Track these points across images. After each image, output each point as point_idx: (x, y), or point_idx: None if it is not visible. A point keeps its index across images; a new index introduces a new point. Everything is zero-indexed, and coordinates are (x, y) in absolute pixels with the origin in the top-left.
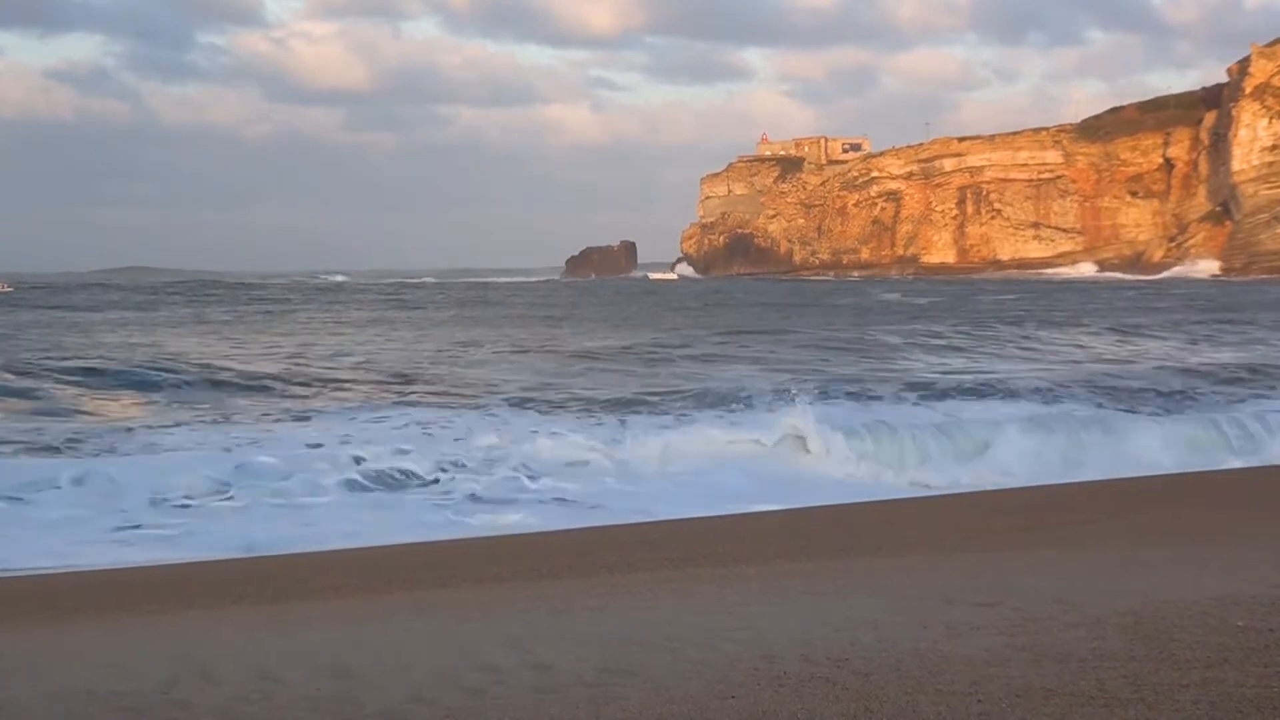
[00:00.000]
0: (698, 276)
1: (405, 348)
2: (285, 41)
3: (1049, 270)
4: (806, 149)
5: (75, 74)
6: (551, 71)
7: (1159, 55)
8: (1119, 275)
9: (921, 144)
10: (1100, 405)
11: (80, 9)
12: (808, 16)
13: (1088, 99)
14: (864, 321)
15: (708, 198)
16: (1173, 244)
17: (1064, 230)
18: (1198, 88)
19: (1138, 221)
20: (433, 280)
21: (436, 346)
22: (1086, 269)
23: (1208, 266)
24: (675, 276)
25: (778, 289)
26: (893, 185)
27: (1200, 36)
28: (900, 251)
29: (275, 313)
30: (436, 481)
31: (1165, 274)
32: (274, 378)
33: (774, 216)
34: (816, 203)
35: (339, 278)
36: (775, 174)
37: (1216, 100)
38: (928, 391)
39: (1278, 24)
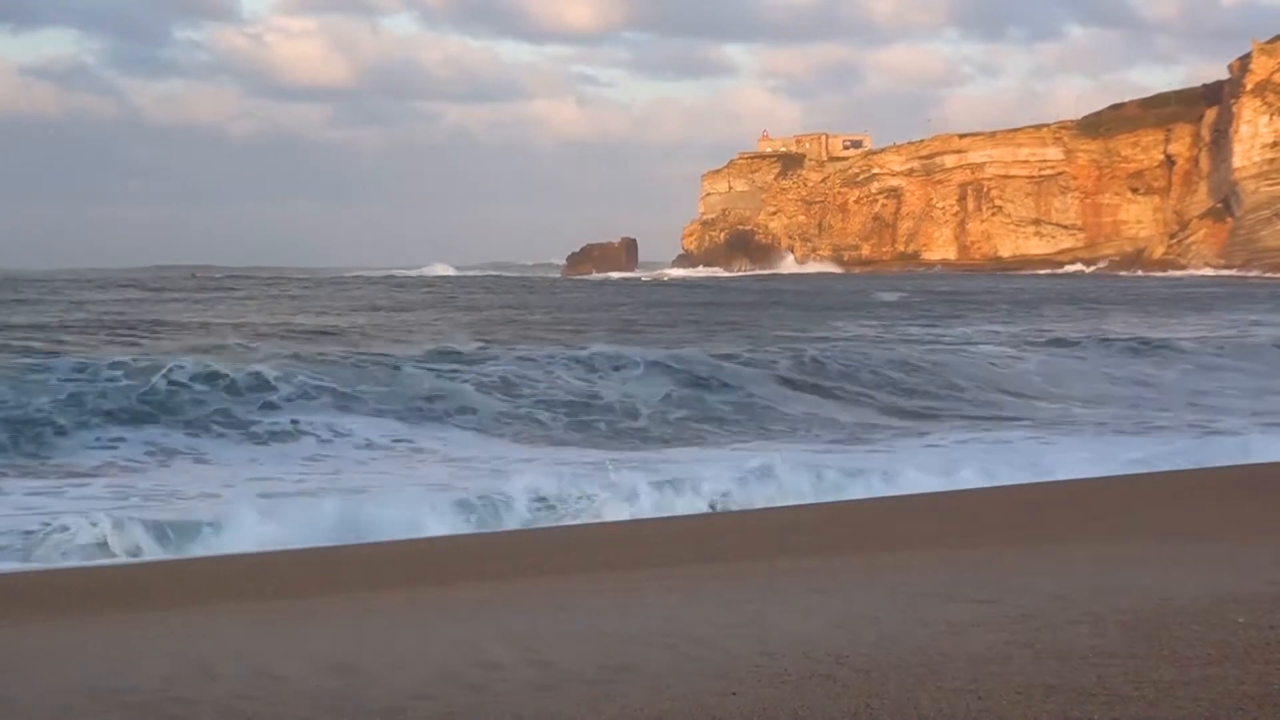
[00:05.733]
0: (704, 275)
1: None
2: (262, 37)
3: (1088, 268)
4: (807, 145)
5: (53, 70)
6: (533, 68)
7: (1140, 51)
8: (1124, 272)
9: (922, 140)
10: None
11: (51, 3)
12: (785, 13)
13: (1077, 95)
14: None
15: (708, 194)
16: (1174, 240)
17: (1065, 227)
18: (1189, 84)
19: (1139, 218)
20: (446, 275)
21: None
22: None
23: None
24: (667, 278)
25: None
26: (893, 182)
27: (1179, 32)
28: (901, 248)
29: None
30: None
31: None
32: None
33: (775, 213)
34: (817, 199)
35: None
36: (776, 170)
37: (1217, 97)
38: None
39: (1255, 19)
